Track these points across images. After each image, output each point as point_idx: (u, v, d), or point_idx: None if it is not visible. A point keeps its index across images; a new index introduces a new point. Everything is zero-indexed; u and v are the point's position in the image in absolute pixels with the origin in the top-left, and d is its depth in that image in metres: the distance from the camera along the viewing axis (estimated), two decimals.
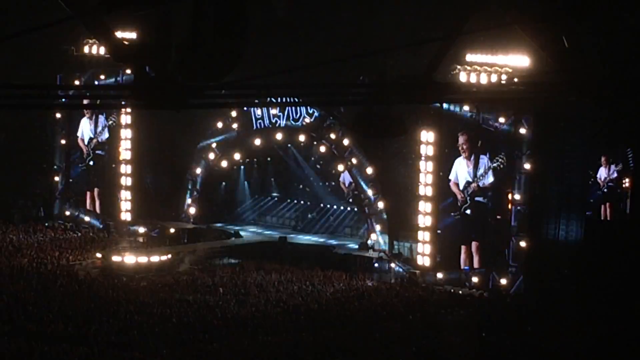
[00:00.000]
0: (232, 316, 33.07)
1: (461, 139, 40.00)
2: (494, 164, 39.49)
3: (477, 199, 40.23)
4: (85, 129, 50.16)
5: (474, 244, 40.25)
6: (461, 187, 40.45)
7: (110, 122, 49.08)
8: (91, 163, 50.15)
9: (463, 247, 40.35)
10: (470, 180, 40.25)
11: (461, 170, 40.48)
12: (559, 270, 36.97)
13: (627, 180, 44.21)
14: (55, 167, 50.45)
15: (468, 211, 40.59)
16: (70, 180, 50.43)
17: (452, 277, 39.70)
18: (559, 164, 38.05)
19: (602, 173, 45.90)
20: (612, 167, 45.04)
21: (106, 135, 49.58)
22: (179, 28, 12.64)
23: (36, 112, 47.35)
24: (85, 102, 23.78)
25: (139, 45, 13.45)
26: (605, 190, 45.68)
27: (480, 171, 39.86)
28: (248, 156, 49.47)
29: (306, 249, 44.63)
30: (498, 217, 39.64)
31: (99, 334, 30.43)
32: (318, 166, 48.83)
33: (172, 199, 48.71)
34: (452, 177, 40.64)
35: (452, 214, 40.67)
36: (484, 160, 39.84)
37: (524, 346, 31.03)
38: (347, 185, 47.49)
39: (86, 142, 50.08)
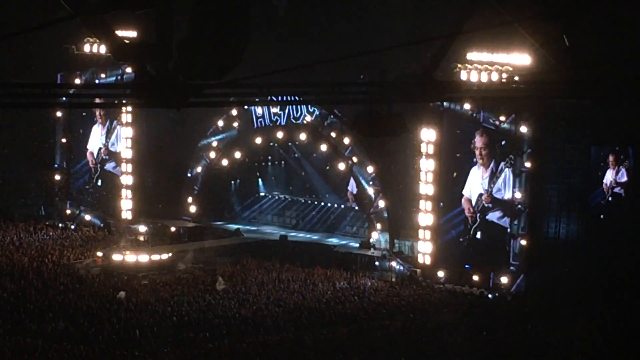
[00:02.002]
0: (232, 315, 33.07)
1: (479, 142, 38.51)
2: (506, 167, 37.59)
3: (490, 218, 38.58)
4: (95, 137, 49.33)
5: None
6: (473, 202, 39.10)
7: (125, 136, 48.21)
8: (99, 183, 49.71)
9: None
10: (483, 191, 38.79)
11: (475, 182, 38.91)
12: (559, 268, 36.94)
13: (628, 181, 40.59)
14: (56, 165, 50.39)
15: (478, 234, 39.27)
16: (71, 193, 49.99)
17: (452, 275, 39.63)
18: (560, 163, 37.97)
19: (609, 176, 41.36)
20: (622, 169, 40.91)
21: (120, 145, 48.65)
22: (180, 27, 12.64)
23: (37, 111, 47.33)
24: (86, 101, 23.77)
25: (140, 43, 13.45)
26: (610, 199, 41.27)
27: (499, 182, 38.14)
28: (249, 155, 49.46)
29: (307, 247, 44.61)
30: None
31: (100, 333, 30.44)
32: (318, 164, 48.83)
33: (172, 198, 48.70)
34: (465, 192, 39.09)
35: (461, 239, 39.82)
36: (505, 171, 37.82)
37: (525, 344, 31.02)
38: (354, 194, 47.30)
39: (95, 154, 49.58)
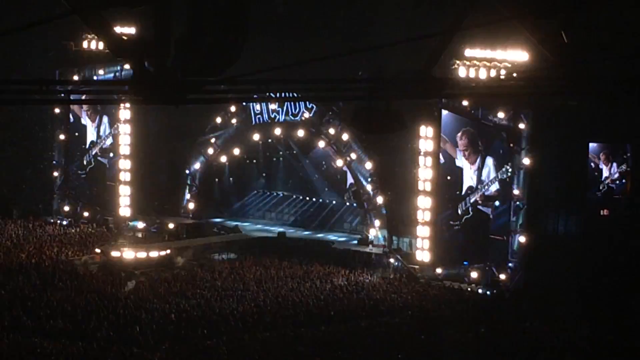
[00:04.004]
0: (230, 311, 33.07)
1: (461, 143, 39.38)
2: (501, 177, 38.64)
3: (479, 207, 39.49)
4: (90, 130, 49.81)
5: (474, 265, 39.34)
6: (463, 192, 39.81)
7: (115, 131, 48.84)
8: (88, 170, 49.96)
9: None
10: (474, 186, 39.50)
11: (465, 172, 39.65)
12: (557, 265, 36.97)
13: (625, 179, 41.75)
14: (54, 162, 50.40)
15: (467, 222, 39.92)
16: (69, 189, 50.17)
17: (451, 272, 39.67)
18: (558, 159, 38.02)
19: (605, 172, 42.79)
20: (614, 165, 42.30)
21: (110, 141, 49.30)
22: (178, 23, 12.64)
23: (35, 108, 47.30)
24: (84, 97, 23.77)
25: (138, 40, 13.43)
26: (605, 189, 42.61)
27: (484, 178, 39.00)
28: (247, 151, 49.48)
29: (305, 244, 44.62)
30: (499, 237, 38.58)
31: (98, 330, 30.44)
32: (317, 161, 48.84)
33: (171, 195, 48.71)
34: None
35: (451, 222, 40.17)
36: (488, 164, 38.86)
37: (522, 341, 31.04)
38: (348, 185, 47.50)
39: (87, 146, 49.92)
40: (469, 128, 39.23)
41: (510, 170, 38.39)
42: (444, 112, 39.74)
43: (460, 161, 39.71)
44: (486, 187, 39.11)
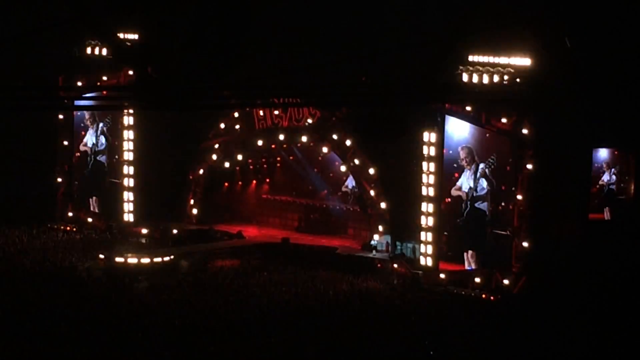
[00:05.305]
0: (234, 318, 33.06)
1: (462, 153, 40.25)
2: (483, 166, 39.50)
3: (476, 205, 40.18)
4: (89, 136, 50.28)
5: (470, 252, 40.13)
6: (465, 192, 40.51)
7: (107, 125, 49.11)
8: (88, 168, 50.33)
9: (465, 254, 40.33)
10: (471, 186, 40.37)
11: (465, 179, 40.57)
12: (561, 270, 36.94)
13: (626, 184, 42.28)
14: (58, 168, 50.42)
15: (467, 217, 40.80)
16: (76, 182, 50.48)
17: (455, 277, 39.65)
18: (561, 164, 38.02)
19: (605, 177, 43.36)
20: (612, 170, 43.82)
21: (103, 142, 49.64)
22: (181, 29, 12.66)
23: (39, 113, 47.33)
24: (87, 103, 23.82)
25: (142, 46, 13.47)
26: (607, 190, 42.94)
27: (475, 179, 40.06)
28: (250, 157, 49.47)
29: (309, 250, 44.56)
30: (504, 231, 39.23)
31: (102, 336, 30.44)
32: (320, 166, 48.82)
33: (174, 200, 48.69)
34: (461, 186, 40.71)
35: (458, 220, 40.55)
36: (479, 169, 39.98)
37: (526, 347, 31.01)
38: (350, 188, 47.51)
39: (91, 149, 50.26)
40: (467, 145, 40.07)
41: (494, 159, 39.02)
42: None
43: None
44: (477, 187, 40.02)
